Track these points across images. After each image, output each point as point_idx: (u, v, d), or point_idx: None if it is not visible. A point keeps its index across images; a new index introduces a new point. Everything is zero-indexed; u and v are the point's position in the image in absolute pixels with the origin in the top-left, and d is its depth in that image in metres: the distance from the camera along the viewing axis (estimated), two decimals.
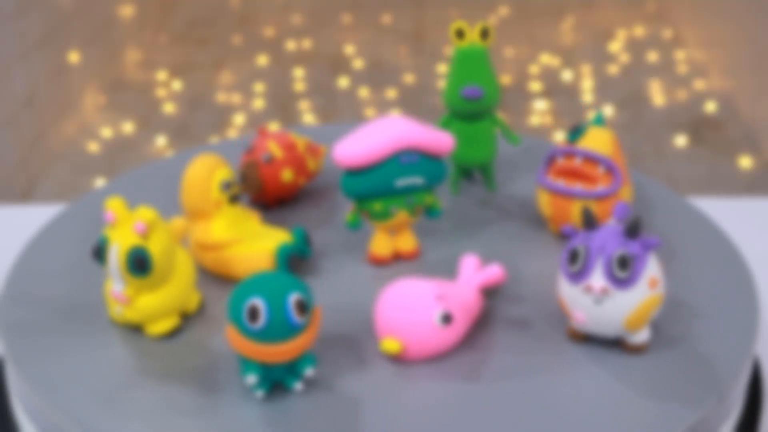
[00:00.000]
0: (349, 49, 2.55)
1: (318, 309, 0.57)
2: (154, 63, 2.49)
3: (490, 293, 0.66)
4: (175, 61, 2.50)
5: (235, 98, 2.29)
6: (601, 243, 0.57)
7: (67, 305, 0.66)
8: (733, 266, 0.70)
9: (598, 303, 0.57)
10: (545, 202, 0.71)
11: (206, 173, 0.66)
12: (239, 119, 2.19)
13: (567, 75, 2.37)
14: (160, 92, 2.33)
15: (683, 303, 0.66)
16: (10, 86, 1.89)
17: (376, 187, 0.66)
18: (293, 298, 0.54)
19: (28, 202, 1.86)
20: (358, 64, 2.46)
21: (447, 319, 0.58)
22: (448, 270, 0.67)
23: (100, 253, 0.60)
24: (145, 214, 0.58)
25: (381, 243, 0.70)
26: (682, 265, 0.70)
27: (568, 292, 0.59)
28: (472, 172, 0.80)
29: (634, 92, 2.30)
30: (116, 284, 0.60)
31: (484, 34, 0.74)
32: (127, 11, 2.52)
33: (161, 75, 2.41)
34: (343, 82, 2.36)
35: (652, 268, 0.57)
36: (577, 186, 0.69)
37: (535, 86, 2.33)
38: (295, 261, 0.68)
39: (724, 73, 2.33)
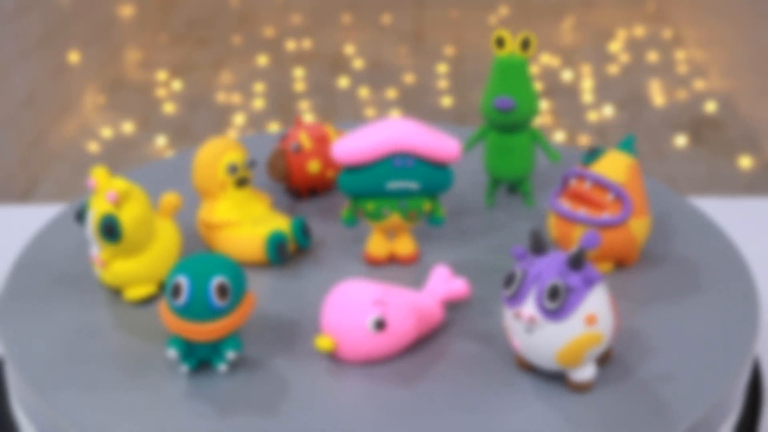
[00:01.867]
0: (349, 49, 2.55)
1: (250, 296, 0.58)
2: (154, 63, 2.49)
3: (462, 305, 0.65)
4: (175, 61, 2.50)
5: (235, 98, 2.29)
6: (540, 270, 0.55)
7: (66, 305, 0.66)
8: (733, 266, 0.70)
9: (528, 332, 0.55)
10: (552, 224, 0.68)
11: (214, 155, 0.69)
12: (239, 119, 2.19)
13: (567, 75, 2.37)
14: (160, 92, 2.33)
15: (683, 303, 0.66)
16: (10, 86, 1.89)
17: (367, 186, 0.66)
18: (216, 281, 0.56)
19: (28, 202, 1.86)
20: (358, 64, 2.46)
21: (380, 325, 0.58)
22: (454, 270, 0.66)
23: (81, 216, 0.64)
24: (118, 184, 0.62)
25: (377, 243, 0.70)
26: (682, 265, 0.70)
27: (507, 317, 0.57)
28: (514, 185, 0.78)
29: (634, 92, 2.30)
30: (93, 248, 0.65)
31: (525, 44, 0.72)
32: (127, 11, 2.52)
33: (161, 75, 2.41)
34: (343, 82, 2.36)
35: (592, 304, 0.54)
36: (581, 211, 0.66)
37: (535, 86, 2.33)
38: (294, 250, 0.70)
39: (724, 73, 2.33)
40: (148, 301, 0.65)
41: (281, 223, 0.70)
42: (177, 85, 2.36)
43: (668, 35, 2.63)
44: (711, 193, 1.87)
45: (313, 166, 0.76)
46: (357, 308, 0.58)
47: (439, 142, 0.66)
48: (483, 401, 0.57)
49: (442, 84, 2.33)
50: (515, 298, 0.55)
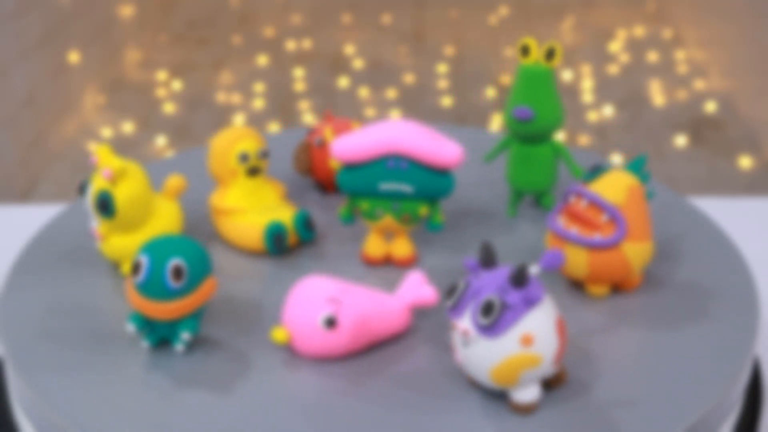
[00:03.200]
0: (349, 49, 2.55)
1: (211, 280, 0.59)
2: (154, 63, 2.49)
3: (441, 314, 0.64)
4: (175, 61, 2.50)
5: (235, 98, 2.29)
6: (482, 284, 0.53)
7: (67, 305, 0.66)
8: (733, 266, 0.70)
9: (465, 345, 0.54)
10: (548, 240, 0.66)
11: (227, 143, 0.71)
12: (239, 119, 2.19)
13: (567, 75, 2.37)
14: (160, 92, 2.33)
15: (683, 303, 0.66)
16: (10, 86, 1.89)
17: (360, 185, 0.66)
18: (172, 263, 0.57)
19: (28, 202, 1.86)
20: (358, 64, 2.46)
21: (330, 322, 0.58)
22: (437, 281, 0.66)
23: (83, 189, 0.67)
24: (114, 162, 0.65)
25: (374, 243, 0.70)
26: (682, 265, 0.70)
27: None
28: (537, 197, 0.76)
29: (634, 92, 2.30)
30: (92, 221, 0.68)
31: (550, 54, 0.70)
32: (127, 11, 2.52)
33: (161, 75, 2.41)
34: (343, 82, 2.36)
35: (530, 325, 0.53)
36: (573, 230, 0.64)
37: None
38: (296, 242, 0.71)
39: (724, 73, 2.33)
40: None
41: (285, 215, 0.70)
42: (177, 85, 2.36)
43: (668, 35, 2.63)
44: (711, 193, 1.87)
45: (334, 161, 0.76)
46: (311, 304, 0.59)
47: (438, 147, 0.65)
48: (424, 412, 0.56)
49: (442, 84, 2.33)
50: (455, 310, 0.54)
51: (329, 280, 0.61)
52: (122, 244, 0.67)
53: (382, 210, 0.67)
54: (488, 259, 0.55)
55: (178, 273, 0.57)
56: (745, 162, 1.99)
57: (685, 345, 0.62)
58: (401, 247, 0.69)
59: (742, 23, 2.26)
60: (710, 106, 2.22)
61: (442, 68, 2.41)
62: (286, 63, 2.47)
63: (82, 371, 0.60)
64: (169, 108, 2.25)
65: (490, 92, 2.29)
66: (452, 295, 0.54)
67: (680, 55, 2.50)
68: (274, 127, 2.15)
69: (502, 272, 0.54)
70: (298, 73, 2.41)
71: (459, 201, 0.77)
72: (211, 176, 0.73)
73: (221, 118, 2.21)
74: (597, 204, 0.63)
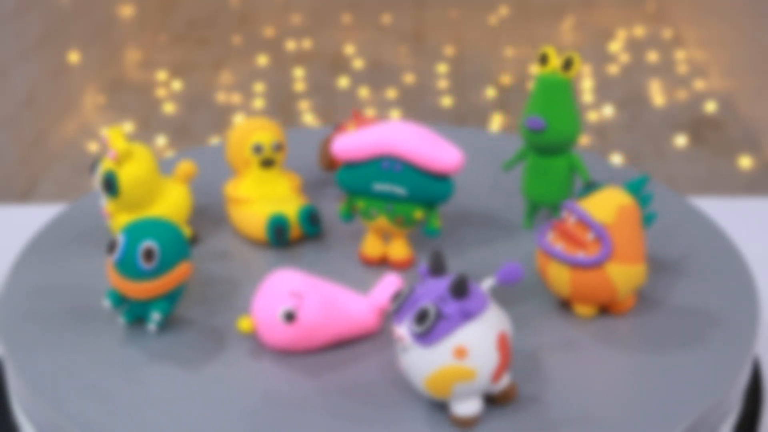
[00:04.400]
0: (349, 49, 2.55)
1: (185, 265, 0.61)
2: (154, 63, 2.49)
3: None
4: (175, 61, 2.50)
5: (235, 98, 2.29)
6: (424, 291, 0.53)
7: (66, 305, 0.66)
8: (733, 266, 0.70)
9: (403, 351, 0.53)
10: (538, 254, 0.64)
11: (243, 134, 0.72)
12: (239, 119, 2.19)
13: None
14: (160, 92, 2.33)
15: (683, 303, 0.66)
16: (10, 86, 1.89)
17: (355, 184, 0.66)
18: (144, 245, 0.59)
19: (28, 202, 1.86)
20: (358, 64, 2.46)
21: (289, 316, 0.58)
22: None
23: (93, 168, 0.70)
24: (120, 144, 0.68)
25: (371, 243, 0.70)
26: (682, 265, 0.70)
27: None
28: (552, 210, 0.74)
29: (634, 92, 2.30)
30: (102, 200, 0.71)
31: (567, 64, 0.69)
32: (127, 11, 2.52)
33: (161, 75, 2.41)
34: (343, 82, 2.36)
35: (465, 337, 0.52)
36: (558, 246, 0.62)
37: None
38: (300, 235, 0.72)
39: (724, 73, 2.33)
40: None
41: (291, 208, 0.71)
42: (177, 85, 2.36)
43: (668, 35, 2.63)
44: (711, 193, 1.87)
45: None
46: (275, 297, 0.59)
47: (436, 152, 0.64)
48: (364, 421, 0.56)
49: (442, 84, 2.33)
50: (397, 315, 0.53)
51: (299, 274, 0.61)
52: (125, 222, 0.68)
53: (377, 210, 0.67)
54: (437, 267, 0.54)
55: (149, 255, 0.59)
56: (745, 162, 1.99)
57: (685, 344, 0.62)
58: (398, 249, 0.69)
59: (742, 23, 2.26)
60: (710, 106, 2.22)
61: (442, 68, 2.41)
62: (286, 63, 2.47)
63: (82, 371, 0.60)
64: (169, 108, 2.25)
65: (490, 92, 2.29)
66: (396, 300, 0.54)
67: (680, 55, 2.50)
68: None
69: (446, 281, 0.53)
70: (298, 73, 2.41)
71: (460, 204, 0.77)
72: (229, 165, 0.75)
73: (221, 118, 2.20)
74: (584, 221, 0.61)
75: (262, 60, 2.49)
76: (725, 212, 0.85)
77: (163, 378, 0.59)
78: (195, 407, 0.57)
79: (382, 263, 0.70)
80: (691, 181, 1.92)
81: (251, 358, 0.61)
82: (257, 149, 0.72)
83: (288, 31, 2.67)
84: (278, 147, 0.72)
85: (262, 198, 0.72)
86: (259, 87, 2.33)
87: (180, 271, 0.61)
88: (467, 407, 0.54)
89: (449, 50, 2.53)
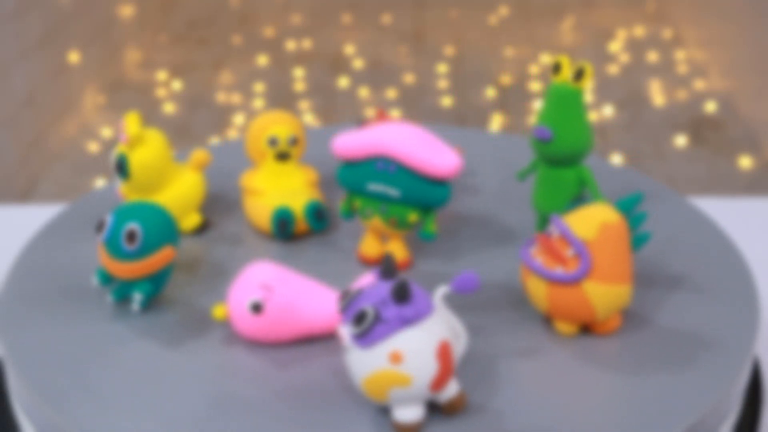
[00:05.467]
0: (349, 49, 2.55)
1: (168, 250, 0.62)
2: (154, 63, 2.49)
3: None
4: (175, 61, 2.50)
5: (235, 98, 2.29)
6: (369, 294, 0.52)
7: (66, 305, 0.66)
8: (733, 266, 0.70)
9: (345, 351, 0.53)
10: (521, 266, 0.63)
11: (261, 127, 0.74)
12: (239, 119, 2.19)
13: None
14: (160, 92, 2.33)
15: (683, 303, 0.66)
16: (10, 86, 1.89)
17: (352, 183, 0.66)
18: (128, 227, 0.62)
19: (28, 202, 1.86)
20: (358, 64, 2.46)
21: (256, 308, 0.59)
22: (429, 288, 0.65)
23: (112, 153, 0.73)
24: (132, 129, 0.70)
25: (369, 243, 0.70)
26: (681, 265, 0.70)
27: None
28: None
29: (634, 92, 2.30)
30: (116, 181, 0.74)
31: (578, 75, 0.66)
32: (127, 11, 2.52)
33: (161, 75, 2.41)
34: (343, 82, 2.36)
35: (402, 342, 0.51)
36: (538, 260, 0.60)
37: (535, 86, 2.33)
38: (306, 230, 0.72)
39: (724, 73, 2.33)
40: None
41: (298, 202, 0.72)
42: (177, 85, 2.36)
43: (668, 35, 2.63)
44: (711, 193, 1.87)
45: None
46: (247, 287, 0.60)
47: (432, 156, 0.64)
48: (312, 420, 0.56)
49: (442, 84, 2.33)
50: (343, 315, 0.53)
51: (274, 267, 0.62)
52: None
53: (371, 210, 0.67)
54: (387, 270, 0.54)
55: (131, 237, 0.62)
56: (745, 162, 1.99)
57: (685, 344, 0.62)
58: (394, 251, 0.69)
59: (742, 23, 2.26)
60: (710, 106, 2.22)
61: (442, 68, 2.41)
62: (286, 63, 2.47)
63: (82, 372, 0.60)
64: (169, 108, 2.25)
65: (490, 92, 2.29)
66: (344, 299, 0.54)
67: (680, 55, 2.50)
68: None
69: (391, 285, 0.53)
70: (298, 73, 2.41)
71: (459, 206, 0.77)
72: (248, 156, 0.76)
73: (221, 118, 2.21)
74: (565, 236, 0.59)
75: (262, 60, 2.49)
76: (725, 212, 0.85)
77: (138, 356, 0.61)
78: (152, 392, 0.58)
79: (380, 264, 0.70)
80: (691, 181, 1.92)
81: (224, 346, 0.61)
82: (272, 142, 0.73)
83: (288, 31, 2.67)
84: (294, 141, 0.73)
85: (274, 190, 0.73)
86: (259, 87, 2.33)
87: (163, 255, 0.62)
88: (407, 414, 0.53)
89: (449, 50, 2.53)
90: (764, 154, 2.03)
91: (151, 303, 0.65)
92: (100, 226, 0.62)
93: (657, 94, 2.29)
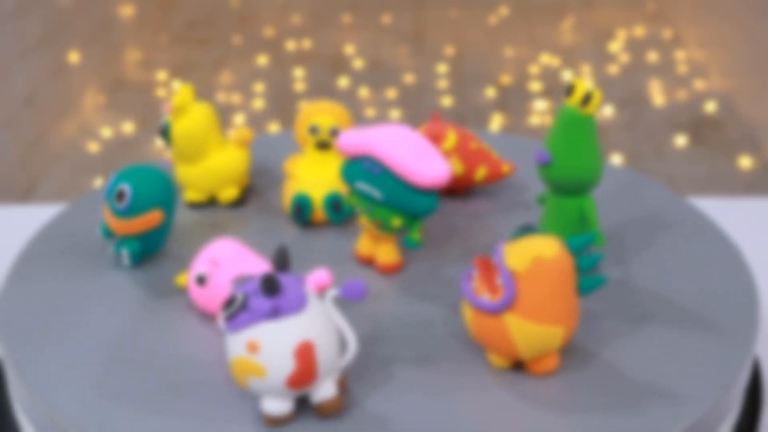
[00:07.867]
0: (349, 49, 2.55)
1: (156, 213, 0.66)
2: (154, 63, 2.49)
3: (378, 317, 0.64)
4: (175, 61, 2.50)
5: (235, 98, 2.29)
6: (251, 281, 0.53)
7: (66, 305, 0.66)
8: (733, 266, 0.70)
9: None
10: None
11: (305, 114, 0.75)
12: (239, 119, 2.19)
13: (567, 75, 2.37)
14: (160, 92, 2.34)
15: (683, 303, 0.66)
16: (10, 86, 1.89)
17: (346, 179, 0.67)
18: (119, 187, 0.67)
19: (28, 202, 1.86)
20: (358, 64, 2.46)
21: (200, 280, 0.62)
22: (419, 291, 0.66)
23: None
24: (176, 99, 0.75)
25: (363, 242, 0.70)
26: (681, 264, 0.70)
27: None
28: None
29: (634, 92, 2.30)
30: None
31: (585, 100, 0.63)
32: (127, 11, 2.52)
33: (161, 75, 2.41)
34: (343, 82, 2.36)
35: (261, 334, 0.52)
36: (471, 285, 0.57)
37: (535, 86, 2.33)
38: (323, 219, 0.74)
39: (724, 73, 2.33)
40: (198, 206, 0.78)
41: (320, 192, 0.74)
42: (177, 85, 2.36)
43: (668, 35, 2.63)
44: (711, 193, 1.87)
45: (456, 165, 0.76)
46: (200, 261, 0.63)
47: (415, 163, 0.63)
48: (193, 411, 0.56)
49: (442, 84, 2.33)
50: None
51: (233, 245, 0.64)
52: (184, 172, 0.77)
53: (361, 209, 0.67)
54: (280, 263, 0.54)
55: (120, 196, 0.66)
56: (745, 162, 1.99)
57: (685, 344, 0.62)
58: (384, 253, 0.68)
59: (742, 23, 2.26)
60: (710, 106, 2.22)
61: (442, 68, 2.41)
62: (286, 63, 2.47)
63: (82, 372, 0.60)
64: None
65: (490, 92, 2.29)
66: (236, 282, 0.55)
67: (680, 55, 2.50)
68: (274, 127, 2.15)
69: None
70: (298, 73, 2.41)
71: (457, 208, 0.77)
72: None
73: (221, 118, 2.20)
74: (497, 263, 0.56)
75: (262, 60, 2.49)
76: (725, 212, 0.85)
77: (142, 352, 0.60)
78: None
79: (372, 263, 0.70)
80: (691, 181, 1.92)
81: (184, 307, 0.65)
82: (313, 130, 0.74)
83: (288, 31, 2.67)
84: (335, 132, 0.74)
85: (306, 177, 0.74)
86: (259, 87, 2.33)
87: (149, 218, 0.67)
88: (273, 406, 0.54)
89: (449, 50, 2.53)
90: (764, 154, 2.03)
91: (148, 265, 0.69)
92: (107, 184, 0.68)
93: (657, 94, 2.29)
